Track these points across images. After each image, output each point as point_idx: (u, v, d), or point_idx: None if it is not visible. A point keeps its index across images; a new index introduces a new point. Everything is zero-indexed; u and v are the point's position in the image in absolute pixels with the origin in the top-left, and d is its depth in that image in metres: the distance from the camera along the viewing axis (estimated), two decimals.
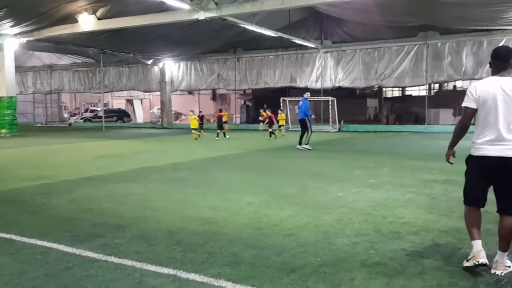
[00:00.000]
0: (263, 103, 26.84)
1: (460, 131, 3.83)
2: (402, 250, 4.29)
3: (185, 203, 6.49)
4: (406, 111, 29.53)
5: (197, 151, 14.67)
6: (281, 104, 25.80)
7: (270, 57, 28.80)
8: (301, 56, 27.74)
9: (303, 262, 3.97)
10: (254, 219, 5.48)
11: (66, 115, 43.07)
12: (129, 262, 3.95)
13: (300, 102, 14.27)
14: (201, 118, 23.75)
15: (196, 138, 19.14)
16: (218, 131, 19.53)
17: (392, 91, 38.81)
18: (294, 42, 24.55)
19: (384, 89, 34.30)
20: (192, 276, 3.64)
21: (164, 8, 17.83)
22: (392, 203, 6.34)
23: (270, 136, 19.70)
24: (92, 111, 41.11)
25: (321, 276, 3.65)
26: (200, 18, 17.50)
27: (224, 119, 20.48)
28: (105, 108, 37.18)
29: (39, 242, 4.54)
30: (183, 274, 3.68)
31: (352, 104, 31.57)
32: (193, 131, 19.39)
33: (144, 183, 8.31)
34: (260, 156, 13.27)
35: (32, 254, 4.20)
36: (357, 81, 26.38)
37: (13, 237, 4.74)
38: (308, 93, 15.33)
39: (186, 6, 16.99)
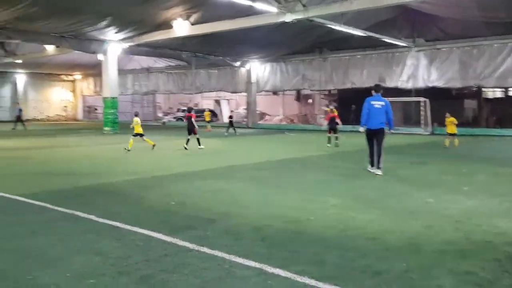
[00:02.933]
0: (348, 103, 26.48)
1: None
2: (495, 260, 4.12)
3: (269, 202, 6.71)
4: (510, 113, 27.31)
5: (281, 151, 14.89)
6: None
7: (358, 56, 28.25)
8: (391, 56, 26.87)
9: (388, 266, 3.98)
10: (338, 221, 5.54)
11: (160, 115, 45.65)
12: (219, 254, 4.24)
13: (382, 102, 9.64)
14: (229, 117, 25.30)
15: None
16: (330, 135, 16.02)
17: (493, 91, 36.11)
18: (383, 41, 23.87)
19: (484, 89, 32.01)
20: (277, 271, 3.82)
21: (252, 12, 18.32)
22: (487, 212, 6.04)
23: (329, 142, 15.99)
24: (183, 110, 43.16)
25: (406, 281, 3.64)
26: (287, 21, 17.73)
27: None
28: (195, 108, 38.85)
29: (140, 230, 5.01)
30: (268, 269, 3.87)
31: (447, 105, 29.68)
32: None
33: (230, 180, 8.69)
34: (344, 158, 13.14)
35: (134, 241, 4.66)
36: (453, 81, 24.95)
37: (118, 224, 5.28)
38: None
39: (273, 9, 17.31)
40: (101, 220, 5.49)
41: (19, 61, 31.94)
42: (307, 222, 5.45)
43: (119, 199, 6.87)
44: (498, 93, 36.53)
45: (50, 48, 27.28)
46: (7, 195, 7.03)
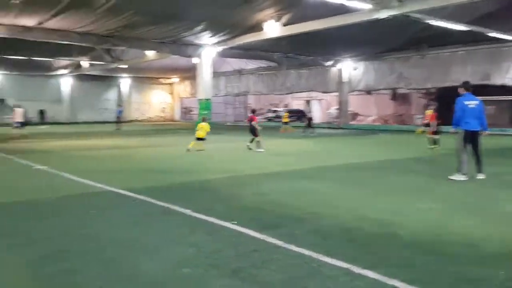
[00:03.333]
0: (448, 102, 24.92)
1: None
2: None
3: (360, 203, 6.60)
4: None
5: (374, 153, 14.50)
6: None
7: (459, 52, 26.52)
8: (497, 51, 24.83)
9: (484, 274, 3.76)
10: (432, 225, 5.30)
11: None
12: (306, 252, 4.28)
13: (476, 102, 8.84)
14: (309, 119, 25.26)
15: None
16: (434, 136, 15.17)
17: None
18: (488, 36, 22.16)
19: None
20: (365, 272, 3.77)
21: (345, 10, 18.03)
22: None
23: (433, 144, 15.14)
24: (273, 111, 43.76)
25: None
26: (381, 17, 17.20)
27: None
28: (285, 108, 39.19)
29: (232, 226, 5.22)
30: (356, 269, 3.84)
31: None
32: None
33: (320, 181, 8.67)
34: (442, 161, 12.45)
35: (226, 236, 4.87)
36: None
37: (211, 219, 5.54)
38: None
39: (367, 6, 16.90)
40: (195, 214, 5.80)
41: (124, 66, 34.59)
42: (399, 226, 5.28)
43: (212, 196, 7.19)
44: None
45: (150, 54, 29.23)
46: (113, 189, 7.68)
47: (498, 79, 24.84)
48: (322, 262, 4.02)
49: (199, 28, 21.56)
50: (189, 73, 39.63)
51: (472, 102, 8.82)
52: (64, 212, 6.11)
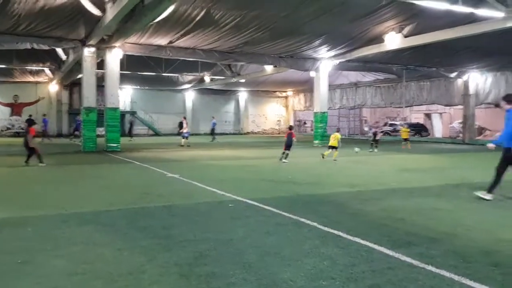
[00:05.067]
0: None
1: None
2: None
3: (499, 225, 6.19)
4: None
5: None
6: None
7: None
8: None
9: None
10: None
11: (366, 128, 45.70)
12: (446, 274, 4.16)
13: None
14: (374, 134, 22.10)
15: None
16: None
17: None
18: None
19: None
20: None
21: (473, 19, 16.94)
22: None
23: None
24: (391, 125, 42.30)
25: None
26: None
27: None
28: (404, 122, 37.68)
29: (362, 242, 5.24)
30: None
31: None
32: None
33: (450, 199, 8.26)
34: None
35: (358, 251, 4.91)
36: None
37: (341, 233, 5.62)
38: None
39: (500, 14, 15.68)
40: (323, 227, 5.92)
41: (242, 80, 36.22)
42: None
43: (338, 209, 7.26)
44: None
45: (268, 68, 30.23)
46: (240, 198, 8.15)
47: None
48: (465, 286, 3.88)
49: (317, 42, 21.83)
50: (304, 86, 40.19)
51: None
52: (200, 219, 6.63)
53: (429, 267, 4.34)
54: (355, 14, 17.67)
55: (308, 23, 18.54)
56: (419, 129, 40.39)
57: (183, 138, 25.06)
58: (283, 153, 15.77)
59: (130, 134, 33.15)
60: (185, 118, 27.59)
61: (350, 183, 10.25)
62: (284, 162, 15.30)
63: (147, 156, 18.44)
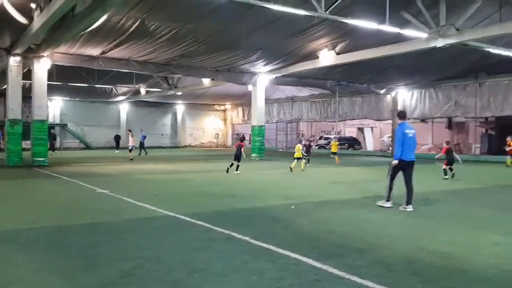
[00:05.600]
0: (508, 132, 23.95)
1: None
2: None
3: (421, 234, 6.48)
4: None
5: (429, 183, 14.10)
6: None
7: None
8: None
9: None
10: (500, 260, 5.12)
11: (303, 142, 46.77)
12: (370, 284, 4.26)
13: (413, 131, 8.80)
14: (307, 146, 21.23)
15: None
16: (446, 166, 15.42)
17: None
18: None
19: None
20: None
21: (400, 39, 17.94)
22: None
23: (446, 174, 15.22)
24: (325, 138, 43.58)
25: None
26: (438, 46, 16.94)
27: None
28: (338, 136, 38.97)
29: (292, 254, 5.27)
30: None
31: None
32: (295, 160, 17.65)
33: (377, 210, 8.56)
34: (507, 193, 11.93)
35: (287, 264, 4.93)
36: None
37: (271, 247, 5.62)
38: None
39: (423, 35, 16.72)
40: (255, 241, 5.90)
41: (180, 93, 35.81)
42: (464, 259, 5.14)
43: (271, 222, 7.28)
44: None
45: (206, 81, 30.14)
46: (172, 213, 7.96)
47: None
48: None
49: (254, 56, 22.11)
50: (242, 99, 40.45)
51: (412, 131, 8.70)
52: (128, 236, 6.39)
53: (354, 278, 4.43)
54: (290, 31, 18.11)
55: (244, 38, 18.76)
56: (352, 143, 41.99)
57: (130, 151, 25.23)
58: (232, 164, 16.21)
59: (52, 147, 31.37)
60: (130, 131, 26.84)
61: (285, 195, 10.36)
62: (236, 173, 15.91)
63: (76, 170, 17.63)
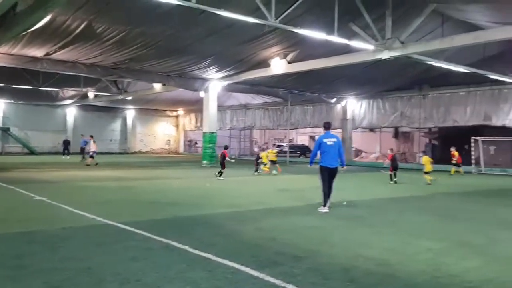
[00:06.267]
0: (450, 142, 25.11)
1: None
2: None
3: (360, 242, 6.58)
4: None
5: (374, 190, 14.49)
6: (472, 144, 23.92)
7: (461, 93, 26.81)
8: (497, 92, 25.11)
9: None
10: (431, 266, 5.27)
11: (256, 149, 46.92)
12: None
13: (334, 139, 9.59)
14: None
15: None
16: (391, 172, 16.92)
17: None
18: (489, 77, 22.45)
19: None
20: None
21: (348, 50, 18.42)
22: None
23: (391, 179, 16.80)
24: (278, 146, 43.94)
25: None
26: (384, 58, 17.52)
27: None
28: (290, 143, 39.40)
29: (230, 263, 5.20)
30: None
31: None
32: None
33: (322, 218, 8.66)
34: (443, 200, 12.44)
35: (224, 273, 4.85)
36: None
37: (210, 256, 5.52)
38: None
39: (370, 47, 17.25)
40: (193, 251, 5.78)
41: (129, 98, 35.02)
42: (398, 266, 5.26)
43: (213, 231, 7.17)
44: None
45: (157, 86, 29.66)
46: (112, 222, 7.68)
47: (499, 120, 25.01)
48: None
49: (205, 63, 21.97)
50: (195, 106, 40.09)
51: (331, 140, 9.55)
52: (61, 246, 6.10)
53: (290, 286, 4.42)
54: (242, 38, 18.15)
55: (196, 44, 18.60)
56: (303, 150, 42.55)
57: (90, 157, 24.49)
58: (221, 172, 17.37)
59: None
60: (92, 137, 25.66)
61: (230, 204, 10.29)
62: (218, 178, 16.92)
63: (16, 176, 16.79)
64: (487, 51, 21.01)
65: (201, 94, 26.93)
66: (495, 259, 5.67)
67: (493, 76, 22.12)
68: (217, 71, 23.92)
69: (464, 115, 26.64)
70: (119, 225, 7.47)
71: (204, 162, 25.89)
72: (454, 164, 22.33)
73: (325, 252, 5.86)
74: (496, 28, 15.76)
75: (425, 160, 17.50)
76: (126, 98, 35.25)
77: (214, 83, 25.96)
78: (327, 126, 9.99)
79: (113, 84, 31.76)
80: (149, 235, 6.69)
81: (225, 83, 25.92)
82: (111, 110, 44.58)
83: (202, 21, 15.76)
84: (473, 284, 4.62)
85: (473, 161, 24.81)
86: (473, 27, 17.22)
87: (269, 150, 21.83)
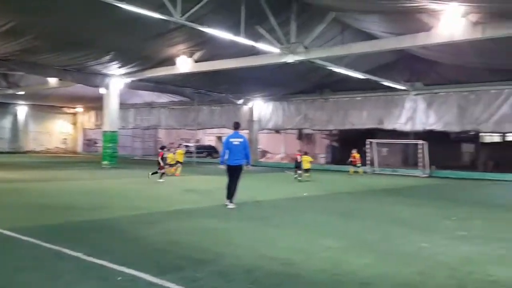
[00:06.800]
0: (349, 143, 26.61)
1: None
2: None
3: (265, 242, 6.60)
4: (507, 158, 27.30)
5: (280, 190, 14.81)
6: (367, 146, 25.65)
7: (358, 98, 28.55)
8: (390, 98, 27.15)
9: None
10: (331, 264, 5.42)
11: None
12: None
13: (240, 139, 10.12)
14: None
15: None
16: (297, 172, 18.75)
17: (491, 136, 36.28)
18: (383, 84, 24.19)
19: (481, 134, 32.19)
20: None
21: (255, 52, 18.65)
22: (481, 258, 5.92)
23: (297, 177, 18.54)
24: (185, 146, 43.28)
25: None
26: (288, 61, 18.01)
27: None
28: (197, 144, 39.02)
29: (127, 270, 4.88)
30: None
31: (446, 148, 29.94)
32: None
33: (227, 219, 8.59)
34: (343, 199, 13.06)
35: (121, 282, 4.53)
36: (450, 125, 25.08)
37: (106, 263, 5.15)
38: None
39: (276, 50, 17.63)
40: (87, 258, 5.35)
41: (22, 92, 32.24)
42: (300, 265, 5.33)
43: (112, 236, 6.75)
44: (496, 138, 36.74)
45: (52, 81, 27.57)
46: None
47: (390, 124, 27.05)
48: None
49: (107, 58, 20.86)
50: (95, 103, 37.92)
51: (237, 140, 10.04)
52: None
53: None
54: (146, 34, 17.48)
55: (96, 37, 17.60)
56: (210, 151, 42.41)
57: None
58: (156, 172, 16.63)
59: None
60: None
61: (132, 206, 9.82)
62: (159, 181, 16.04)
63: None
64: (382, 60, 22.59)
65: (102, 90, 25.54)
66: (388, 255, 5.99)
67: (386, 83, 23.84)
68: (120, 67, 22.87)
69: (360, 118, 28.39)
70: (4, 231, 6.73)
71: (104, 162, 24.60)
72: (352, 165, 23.60)
73: (229, 254, 5.77)
74: (390, 38, 16.97)
75: (305, 159, 19.09)
76: (18, 93, 32.39)
77: (116, 79, 24.79)
78: (236, 126, 10.38)
79: (2, 77, 28.98)
80: (38, 242, 6.10)
81: (128, 80, 24.85)
82: (0, 106, 40.68)
83: (103, 13, 14.89)
84: (369, 280, 4.81)
85: (368, 162, 26.52)
86: (370, 36, 18.37)
87: (178, 150, 21.08)
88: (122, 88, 25.70)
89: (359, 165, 23.39)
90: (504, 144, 33.89)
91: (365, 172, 24.36)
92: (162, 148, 18.20)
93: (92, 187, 14.12)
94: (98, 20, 15.68)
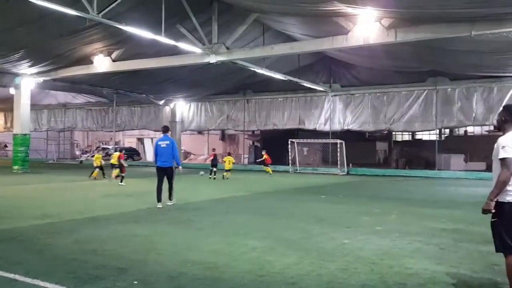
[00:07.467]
0: (271, 144, 27.11)
1: (507, 182, 3.87)
2: None
3: (189, 246, 6.48)
4: (417, 155, 29.37)
5: (203, 192, 14.69)
6: (289, 146, 26.30)
7: (279, 99, 29.20)
8: (309, 99, 28.09)
9: None
10: (256, 265, 5.43)
11: (77, 153, 43.54)
12: None
13: (167, 142, 10.54)
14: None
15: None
16: (213, 169, 19.87)
17: (402, 135, 38.85)
18: (303, 85, 24.93)
19: (394, 133, 34.35)
20: None
21: (177, 51, 18.36)
22: (399, 252, 6.25)
23: (211, 174, 19.88)
24: (103, 149, 41.53)
25: None
26: (211, 62, 17.95)
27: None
28: (116, 146, 37.61)
29: (42, 283, 4.55)
30: None
31: (361, 147, 31.60)
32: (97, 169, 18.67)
33: (149, 224, 8.33)
34: (265, 199, 13.23)
35: None
36: (365, 125, 26.50)
37: (17, 277, 4.76)
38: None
39: (198, 50, 17.48)
40: None
41: None
42: (225, 268, 5.29)
43: (23, 247, 6.26)
44: (406, 137, 39.45)
45: None
46: None
47: (311, 124, 27.98)
48: None
49: (16, 56, 19.46)
50: (5, 104, 35.23)
51: (165, 142, 10.55)
52: None
53: None
54: (59, 31, 16.61)
55: (3, 34, 16.32)
56: (131, 153, 41.08)
57: None
58: (118, 175, 16.99)
59: None
60: None
61: (43, 214, 9.17)
62: (120, 184, 16.19)
63: None
64: (302, 61, 23.27)
65: (11, 91, 23.78)
66: (310, 253, 6.13)
67: (306, 84, 24.60)
68: (31, 66, 21.44)
69: (282, 119, 29.06)
70: None
71: (15, 167, 22.90)
72: (264, 164, 23.53)
73: (152, 261, 5.58)
74: (309, 40, 17.52)
75: (227, 160, 20.15)
76: None
77: (27, 79, 23.18)
78: (165, 129, 10.95)
79: None
80: None
81: (40, 79, 23.33)
82: None
83: (10, 8, 13.88)
84: (294, 279, 4.88)
85: (290, 161, 27.19)
86: (290, 39, 18.84)
87: (95, 155, 20.18)
88: (34, 88, 24.12)
89: (268, 165, 23.57)
90: (414, 142, 36.43)
91: (286, 172, 24.93)
92: (121, 151, 19.07)
93: (1, 194, 13.04)
94: (5, 16, 14.55)
